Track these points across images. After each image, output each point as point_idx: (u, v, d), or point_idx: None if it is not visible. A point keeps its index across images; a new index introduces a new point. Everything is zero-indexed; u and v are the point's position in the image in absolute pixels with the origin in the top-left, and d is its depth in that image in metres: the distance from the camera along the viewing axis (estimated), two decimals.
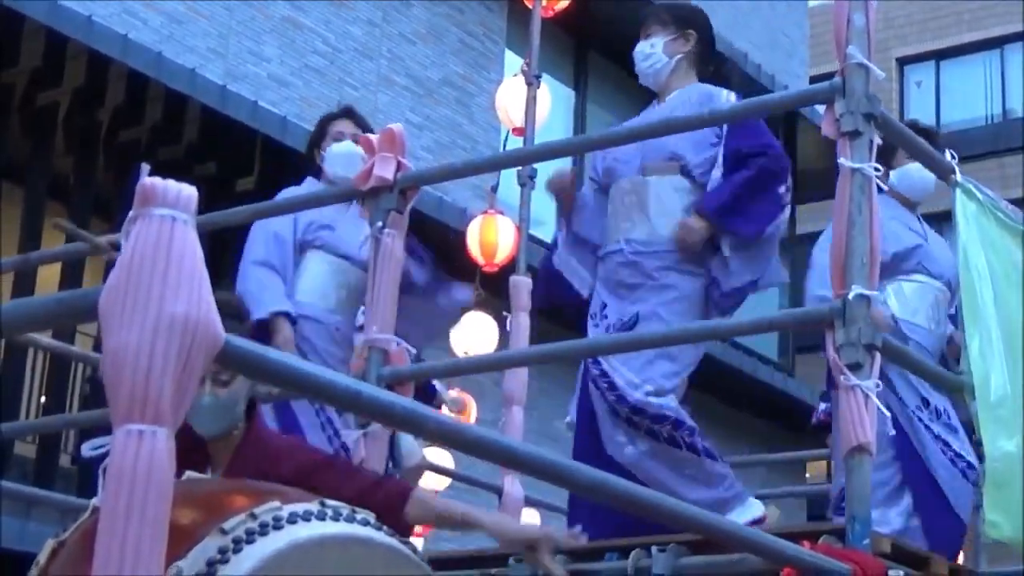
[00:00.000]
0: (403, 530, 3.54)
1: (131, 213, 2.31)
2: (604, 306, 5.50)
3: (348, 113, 6.36)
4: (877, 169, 4.29)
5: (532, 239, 9.04)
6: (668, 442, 5.15)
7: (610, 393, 5.23)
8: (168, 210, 2.28)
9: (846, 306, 4.15)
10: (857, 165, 4.26)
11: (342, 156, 6.06)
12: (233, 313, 3.93)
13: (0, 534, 10.46)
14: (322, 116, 6.53)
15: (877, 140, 4.33)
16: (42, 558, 3.03)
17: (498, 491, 7.68)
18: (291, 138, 12.33)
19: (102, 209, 12.52)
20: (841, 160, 4.30)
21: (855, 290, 4.15)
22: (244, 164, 13.02)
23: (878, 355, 4.15)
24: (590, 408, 5.34)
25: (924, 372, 5.00)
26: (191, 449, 3.81)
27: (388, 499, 3.64)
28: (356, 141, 5.99)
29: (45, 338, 8.31)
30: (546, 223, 15.20)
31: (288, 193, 6.12)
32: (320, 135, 6.28)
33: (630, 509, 3.28)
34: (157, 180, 2.29)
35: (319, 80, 13.97)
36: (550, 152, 5.97)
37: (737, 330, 4.89)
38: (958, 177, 4.78)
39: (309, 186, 6.17)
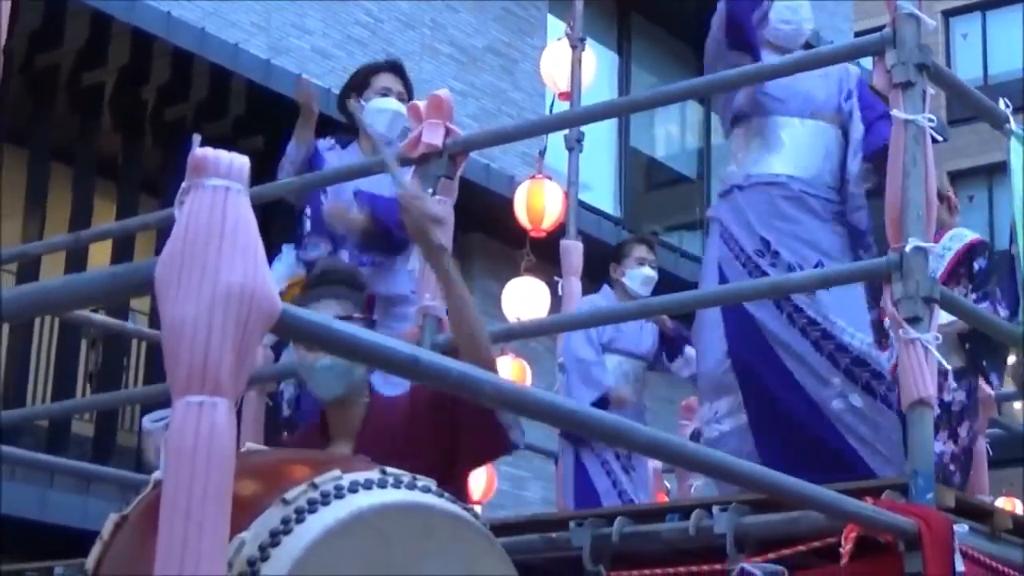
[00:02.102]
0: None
1: (184, 184, 2.30)
2: (767, 242, 5.39)
3: (394, 67, 6.13)
4: (931, 119, 4.24)
5: (581, 204, 9.02)
6: (883, 401, 5.10)
7: (826, 342, 5.17)
8: (221, 180, 2.26)
9: (903, 259, 4.11)
10: (911, 116, 4.21)
11: (385, 113, 5.89)
12: (347, 280, 3.88)
13: (60, 511, 10.56)
14: (364, 66, 6.33)
15: (930, 91, 4.28)
16: (105, 533, 3.03)
17: (553, 456, 7.68)
18: (335, 110, 12.29)
19: (151, 187, 12.57)
20: (894, 112, 4.25)
21: (912, 242, 4.11)
22: (290, 137, 13.01)
23: (937, 308, 4.11)
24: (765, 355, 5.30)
25: (982, 323, 4.94)
26: (306, 445, 3.80)
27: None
28: (401, 100, 5.90)
29: (99, 316, 8.35)
30: (593, 187, 15.25)
31: (326, 150, 6.07)
32: (362, 85, 6.06)
33: (691, 468, 3.27)
34: (209, 151, 2.28)
35: (362, 51, 13.94)
36: (597, 114, 5.94)
37: (798, 285, 4.85)
38: (1012, 126, 4.72)
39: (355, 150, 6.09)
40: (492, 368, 3.46)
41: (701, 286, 5.59)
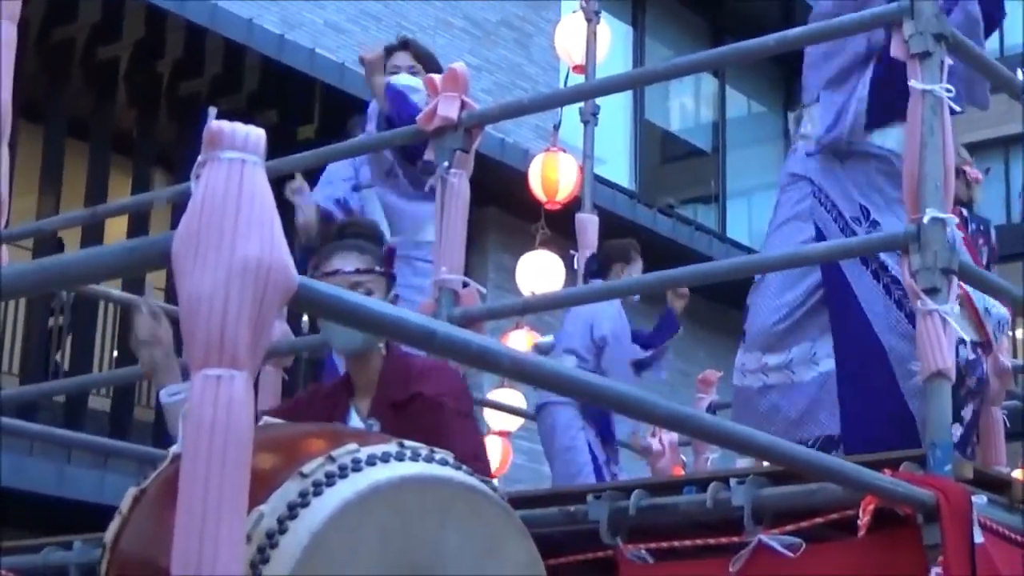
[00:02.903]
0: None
1: (200, 157, 2.30)
2: (867, 211, 5.26)
3: (404, 45, 6.22)
4: (948, 90, 4.22)
5: (596, 177, 9.01)
6: None
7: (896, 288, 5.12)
8: (237, 153, 2.25)
9: (920, 230, 4.10)
10: (928, 86, 4.19)
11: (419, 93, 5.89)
12: (368, 233, 3.92)
13: (79, 487, 10.60)
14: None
15: (948, 61, 4.26)
16: (124, 507, 3.03)
17: None
18: (350, 84, 12.31)
19: (166, 162, 12.60)
20: (912, 82, 4.23)
21: (929, 213, 4.10)
22: (304, 112, 13.02)
23: (955, 279, 4.10)
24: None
25: (1002, 294, 4.91)
26: (331, 406, 3.81)
27: None
28: (415, 73, 5.93)
29: (116, 291, 8.36)
30: (608, 160, 15.23)
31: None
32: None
33: (709, 440, 3.26)
34: (225, 123, 2.27)
35: (376, 26, 13.93)
36: (612, 86, 5.90)
37: (810, 257, 4.83)
38: None
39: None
40: None
41: (774, 239, 5.42)
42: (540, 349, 7.49)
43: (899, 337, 4.94)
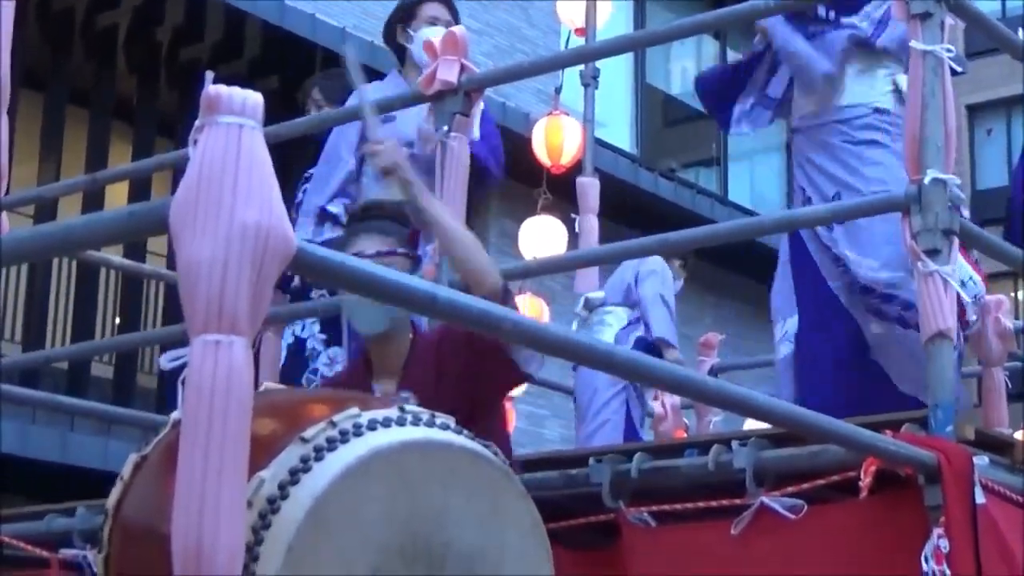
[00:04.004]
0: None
1: (198, 122, 2.29)
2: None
3: None
4: (949, 51, 4.21)
5: (597, 141, 8.99)
6: (899, 322, 5.11)
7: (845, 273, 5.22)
8: (235, 118, 2.25)
9: (922, 191, 4.09)
10: (929, 47, 4.18)
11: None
12: (392, 215, 3.91)
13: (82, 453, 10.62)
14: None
15: (949, 21, 4.24)
16: (126, 473, 3.04)
17: (570, 392, 7.68)
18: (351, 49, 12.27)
19: (167, 129, 12.55)
20: (912, 43, 4.22)
21: (930, 174, 4.09)
22: (306, 77, 12.96)
23: (955, 240, 4.09)
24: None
25: (1004, 257, 4.90)
26: (352, 385, 3.81)
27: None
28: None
29: (116, 257, 8.36)
30: (609, 124, 15.19)
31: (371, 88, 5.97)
32: (408, 15, 5.81)
33: (711, 403, 3.26)
34: (222, 88, 2.27)
35: None
36: (613, 48, 5.90)
37: (811, 220, 4.83)
38: None
39: (394, 80, 5.94)
40: (495, 298, 3.46)
41: None
42: (589, 304, 7.45)
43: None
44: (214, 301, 2.19)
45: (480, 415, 3.59)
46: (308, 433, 2.69)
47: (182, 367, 3.88)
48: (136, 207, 2.30)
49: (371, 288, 2.56)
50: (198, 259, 2.20)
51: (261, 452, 2.55)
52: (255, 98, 2.29)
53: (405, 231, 3.89)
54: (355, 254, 3.72)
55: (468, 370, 3.70)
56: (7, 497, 9.28)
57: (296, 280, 5.54)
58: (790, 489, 3.91)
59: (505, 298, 3.64)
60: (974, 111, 27.85)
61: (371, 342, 3.88)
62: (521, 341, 3.12)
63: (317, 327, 5.72)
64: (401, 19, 5.83)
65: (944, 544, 3.62)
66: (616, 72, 15.80)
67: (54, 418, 10.90)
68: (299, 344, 5.77)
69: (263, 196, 2.23)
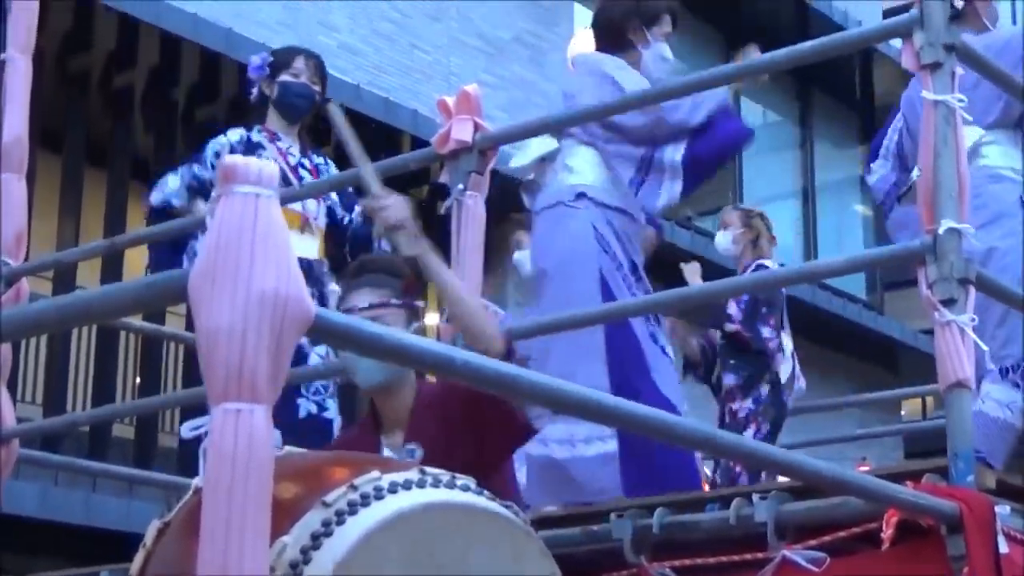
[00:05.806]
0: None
1: (214, 192, 2.32)
2: None
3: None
4: (961, 100, 4.22)
5: None
6: None
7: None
8: (251, 187, 2.28)
9: (937, 241, 4.10)
10: (940, 97, 4.19)
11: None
12: (385, 268, 3.94)
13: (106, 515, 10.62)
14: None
15: (959, 71, 4.26)
16: (148, 540, 3.05)
17: None
18: (365, 106, 12.36)
19: None
20: (924, 93, 4.23)
21: (945, 224, 4.09)
22: (321, 134, 13.03)
23: (972, 289, 4.09)
24: None
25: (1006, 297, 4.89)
26: (364, 448, 3.82)
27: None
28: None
29: (136, 321, 8.39)
30: None
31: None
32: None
33: (737, 460, 3.26)
34: (238, 158, 2.30)
35: (389, 46, 13.96)
36: (628, 104, 5.89)
37: (829, 271, 4.84)
38: None
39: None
40: (497, 356, 3.47)
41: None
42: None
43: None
44: (234, 369, 2.21)
45: (490, 468, 3.60)
46: (330, 497, 2.70)
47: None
48: (154, 278, 2.33)
49: (389, 351, 2.57)
50: (217, 328, 2.22)
51: (283, 516, 2.56)
52: (271, 168, 2.32)
53: (399, 282, 3.91)
54: (347, 310, 3.76)
55: (475, 423, 3.72)
56: (31, 560, 9.30)
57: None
58: (812, 541, 3.90)
59: (508, 360, 3.65)
60: None
61: (373, 394, 3.91)
62: (539, 401, 3.13)
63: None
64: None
65: None
66: None
67: (76, 480, 10.91)
68: None
69: (280, 264, 2.25)
